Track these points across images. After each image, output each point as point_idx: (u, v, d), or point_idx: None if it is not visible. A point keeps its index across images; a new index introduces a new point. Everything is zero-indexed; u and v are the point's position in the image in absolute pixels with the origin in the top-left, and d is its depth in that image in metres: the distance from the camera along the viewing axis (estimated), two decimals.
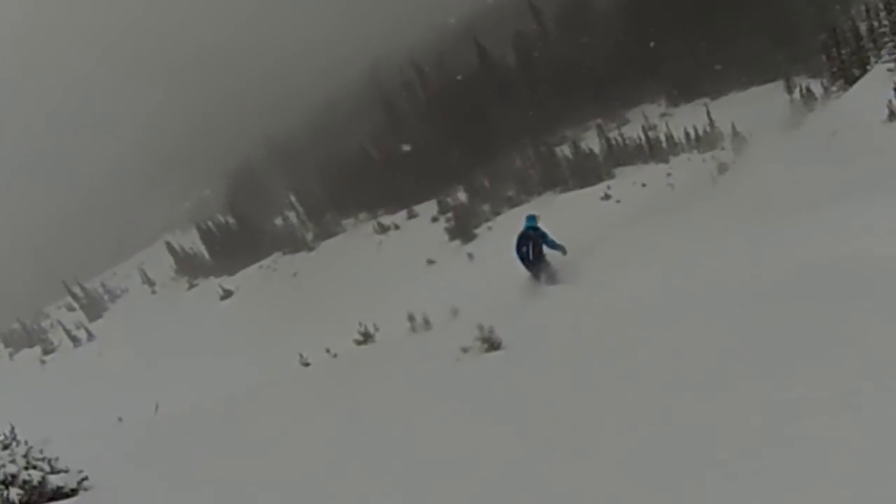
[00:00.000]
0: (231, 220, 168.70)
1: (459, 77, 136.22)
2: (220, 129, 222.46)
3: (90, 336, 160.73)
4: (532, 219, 28.84)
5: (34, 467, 13.64)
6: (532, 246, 27.90)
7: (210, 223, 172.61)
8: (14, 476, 13.35)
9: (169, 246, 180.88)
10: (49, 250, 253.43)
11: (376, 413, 15.78)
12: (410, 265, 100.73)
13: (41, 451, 13.97)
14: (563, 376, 14.09)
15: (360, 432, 14.39)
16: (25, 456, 13.66)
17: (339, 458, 13.24)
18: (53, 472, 13.83)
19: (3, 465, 13.39)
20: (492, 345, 18.53)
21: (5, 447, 13.99)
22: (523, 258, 28.31)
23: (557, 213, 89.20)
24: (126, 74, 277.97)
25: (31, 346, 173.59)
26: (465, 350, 18.76)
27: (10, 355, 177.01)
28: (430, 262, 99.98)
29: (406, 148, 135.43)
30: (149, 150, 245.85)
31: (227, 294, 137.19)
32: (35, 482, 13.43)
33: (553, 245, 28.15)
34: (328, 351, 44.28)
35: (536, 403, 12.82)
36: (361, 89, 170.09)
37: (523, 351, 17.83)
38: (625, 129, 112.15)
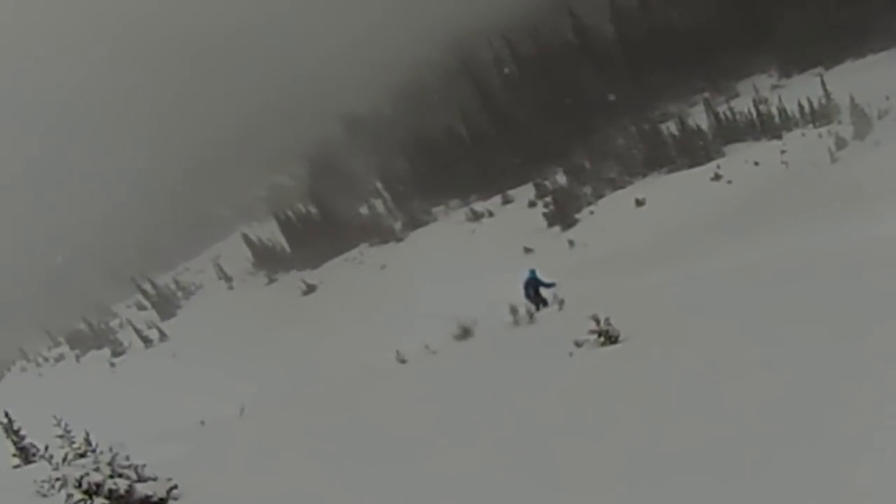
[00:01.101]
0: (312, 210, 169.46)
1: (552, 50, 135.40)
2: (296, 110, 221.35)
3: (163, 336, 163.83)
4: (533, 271, 43.39)
5: (120, 475, 13.71)
6: (534, 289, 41.72)
7: (290, 213, 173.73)
8: (99, 485, 13.51)
9: (246, 238, 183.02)
10: (116, 245, 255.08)
11: (476, 415, 16.82)
12: (506, 254, 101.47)
13: (127, 458, 14.03)
14: (696, 370, 14.78)
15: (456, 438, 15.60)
16: (110, 463, 13.73)
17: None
18: (141, 480, 13.95)
19: (87, 474, 13.58)
20: (609, 338, 19.84)
21: (82, 455, 14.53)
22: (528, 297, 41.46)
23: (664, 195, 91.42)
24: (189, 54, 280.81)
25: (100, 347, 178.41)
26: (578, 344, 20.21)
27: (77, 357, 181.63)
28: (528, 250, 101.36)
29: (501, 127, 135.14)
30: (219, 135, 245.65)
31: (311, 289, 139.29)
32: (122, 491, 13.52)
33: (547, 286, 42.20)
34: (426, 347, 47.56)
35: (674, 407, 13.10)
36: (449, 65, 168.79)
37: (644, 344, 18.81)
38: (734, 103, 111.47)
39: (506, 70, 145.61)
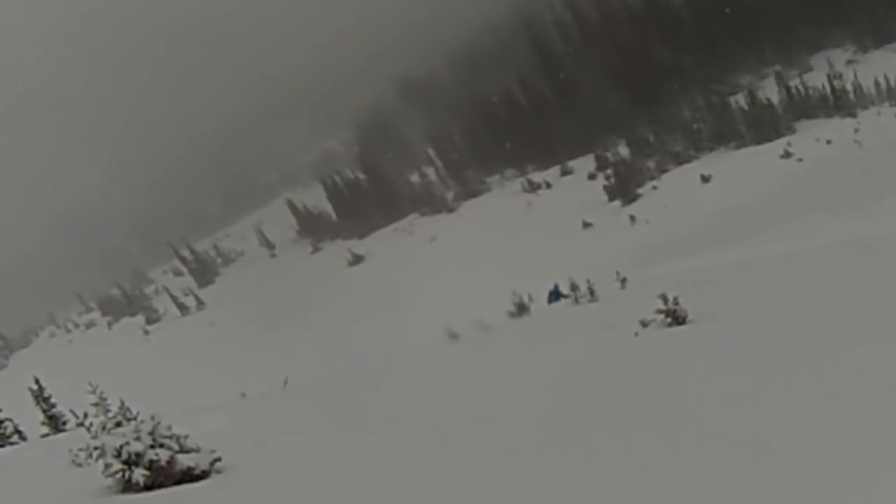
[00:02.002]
0: (361, 176, 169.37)
1: (618, 14, 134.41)
2: (347, 72, 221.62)
3: (200, 304, 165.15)
4: (556, 284, 47.16)
5: (161, 446, 13.64)
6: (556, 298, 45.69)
7: (337, 178, 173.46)
8: (140, 455, 13.44)
9: (290, 204, 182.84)
10: (154, 208, 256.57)
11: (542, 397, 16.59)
12: (564, 228, 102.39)
13: (169, 428, 13.91)
14: (768, 355, 14.62)
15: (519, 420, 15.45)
16: (152, 433, 13.66)
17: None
18: (183, 451, 13.86)
19: (127, 443, 13.48)
20: (676, 318, 20.10)
21: (118, 425, 14.30)
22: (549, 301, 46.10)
23: (731, 172, 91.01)
24: (236, 14, 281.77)
25: (133, 314, 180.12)
26: (644, 324, 20.39)
27: (109, 324, 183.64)
28: (587, 224, 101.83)
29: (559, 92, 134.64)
30: (266, 98, 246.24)
31: (357, 259, 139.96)
32: (163, 462, 13.50)
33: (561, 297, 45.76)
34: (479, 323, 47.70)
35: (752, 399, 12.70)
36: (508, 27, 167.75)
37: (713, 327, 18.87)
38: (807, 77, 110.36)
39: (570, 34, 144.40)
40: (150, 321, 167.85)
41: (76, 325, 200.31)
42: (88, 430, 14.55)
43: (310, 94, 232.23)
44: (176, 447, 13.80)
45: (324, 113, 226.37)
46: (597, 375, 17.06)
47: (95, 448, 13.77)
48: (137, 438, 13.51)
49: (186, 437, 14.07)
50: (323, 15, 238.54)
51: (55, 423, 25.19)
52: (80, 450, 14.79)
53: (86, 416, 14.39)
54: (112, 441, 13.60)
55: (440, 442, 14.53)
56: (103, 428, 14.25)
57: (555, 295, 46.13)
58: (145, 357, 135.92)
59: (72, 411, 14.61)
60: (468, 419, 15.88)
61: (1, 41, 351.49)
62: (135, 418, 14.42)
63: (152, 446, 13.55)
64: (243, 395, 47.33)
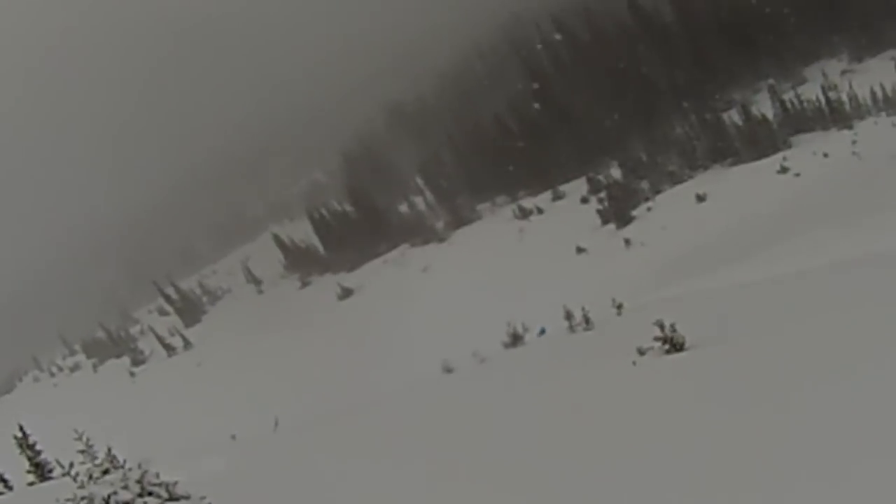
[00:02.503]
0: (349, 208, 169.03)
1: (607, 33, 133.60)
2: (333, 99, 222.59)
3: (187, 344, 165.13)
4: (543, 328, 48.45)
5: (150, 494, 13.51)
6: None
7: (324, 211, 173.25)
8: None
9: (277, 239, 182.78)
10: (138, 247, 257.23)
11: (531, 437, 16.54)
12: (558, 254, 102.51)
13: (158, 476, 13.73)
14: (768, 383, 14.62)
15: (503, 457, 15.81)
16: (139, 481, 13.51)
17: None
18: (172, 499, 13.73)
19: (115, 493, 13.35)
20: (674, 345, 20.07)
21: (105, 472, 13.90)
22: None
23: (727, 190, 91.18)
24: (218, 44, 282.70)
25: (119, 356, 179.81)
26: (641, 352, 20.41)
27: (94, 367, 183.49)
28: (581, 249, 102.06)
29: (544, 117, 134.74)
30: (251, 131, 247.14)
31: (347, 293, 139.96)
32: None
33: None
34: (475, 354, 47.78)
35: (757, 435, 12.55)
36: (497, 50, 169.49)
37: (712, 354, 18.75)
38: (801, 90, 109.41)
39: (558, 55, 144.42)
40: (136, 363, 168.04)
41: (60, 369, 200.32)
42: (75, 479, 14.39)
43: (296, 123, 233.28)
44: (165, 495, 13.64)
45: (310, 143, 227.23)
46: (594, 407, 17.03)
47: (83, 498, 13.42)
48: (125, 487, 13.36)
49: (176, 483, 13.90)
50: (310, 43, 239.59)
51: (41, 471, 25.06)
52: (68, 500, 14.64)
53: (72, 465, 14.32)
54: (99, 490, 13.37)
55: (435, 480, 14.39)
56: (90, 477, 13.88)
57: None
58: (132, 399, 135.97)
59: (57, 461, 14.59)
60: (463, 456, 15.84)
61: None
62: (122, 466, 14.10)
63: (140, 495, 13.37)
64: (234, 436, 47.39)
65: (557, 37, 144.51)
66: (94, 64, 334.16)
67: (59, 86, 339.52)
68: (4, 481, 25.10)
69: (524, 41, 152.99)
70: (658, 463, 12.44)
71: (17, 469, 25.21)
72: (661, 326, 19.87)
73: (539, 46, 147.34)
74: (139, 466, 13.89)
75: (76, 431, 14.25)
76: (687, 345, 19.63)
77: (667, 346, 19.73)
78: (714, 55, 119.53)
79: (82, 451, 14.30)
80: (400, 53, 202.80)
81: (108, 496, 13.33)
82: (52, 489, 18.22)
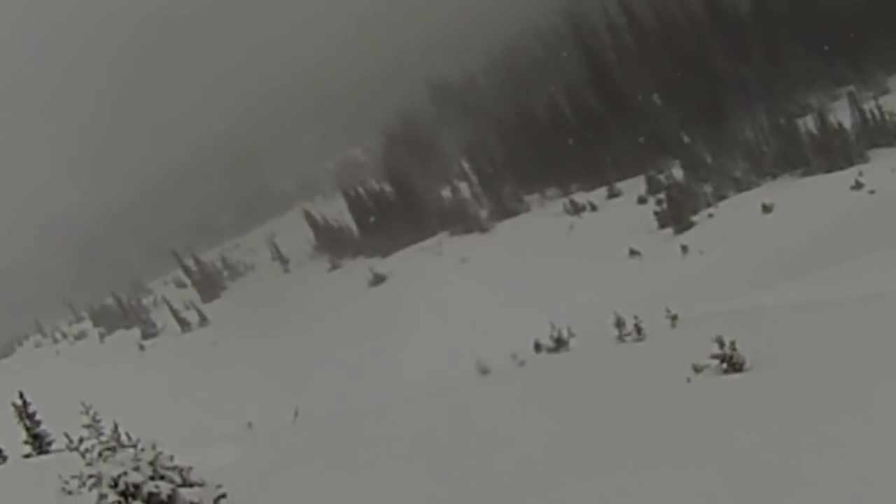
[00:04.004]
0: (387, 189, 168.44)
1: (677, 21, 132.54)
2: (373, 72, 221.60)
3: (203, 319, 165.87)
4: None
5: (162, 478, 13.57)
6: None
7: (360, 190, 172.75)
8: (138, 487, 13.35)
9: (308, 215, 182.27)
10: (156, 212, 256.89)
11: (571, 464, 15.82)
12: (608, 256, 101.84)
13: (171, 459, 13.88)
14: (834, 411, 14.53)
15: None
16: (152, 463, 13.60)
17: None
18: (185, 484, 13.79)
19: (125, 473, 13.42)
20: (732, 365, 19.94)
21: (110, 450, 13.85)
22: None
23: (796, 202, 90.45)
24: (257, 9, 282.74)
25: (128, 327, 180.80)
26: (697, 369, 20.17)
27: (101, 336, 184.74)
28: (633, 253, 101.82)
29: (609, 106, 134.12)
30: (284, 96, 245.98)
31: (379, 279, 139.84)
32: (163, 496, 13.45)
33: None
34: (514, 357, 47.63)
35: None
36: (555, 29, 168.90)
37: (775, 377, 18.63)
38: (883, 100, 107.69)
39: (623, 41, 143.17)
40: (146, 335, 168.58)
41: (64, 336, 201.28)
42: (83, 455, 14.15)
43: (333, 95, 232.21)
44: (178, 480, 13.70)
45: (348, 117, 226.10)
46: (643, 427, 16.76)
47: (90, 476, 13.64)
48: (137, 468, 13.42)
49: (190, 469, 13.94)
50: (350, 11, 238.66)
51: (39, 443, 25.08)
52: (73, 477, 14.58)
53: (81, 440, 14.26)
54: (109, 470, 13.48)
55: (462, 487, 14.37)
56: (99, 454, 13.87)
57: None
58: (140, 375, 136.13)
59: (66, 435, 14.48)
60: (495, 463, 15.79)
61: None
62: (134, 445, 14.05)
63: (152, 477, 13.43)
64: (250, 424, 47.35)
65: (622, 20, 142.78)
66: (122, 31, 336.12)
67: (87, 55, 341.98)
68: None
69: (586, 22, 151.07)
70: (707, 492, 12.29)
71: (11, 439, 25.17)
72: (721, 343, 19.65)
73: (602, 27, 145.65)
74: (153, 447, 13.90)
75: (83, 405, 14.00)
76: (747, 365, 19.38)
77: (724, 366, 19.48)
78: (791, 54, 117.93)
79: (88, 426, 14.17)
80: (447, 26, 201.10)
81: (118, 476, 13.41)
82: (51, 463, 18.27)
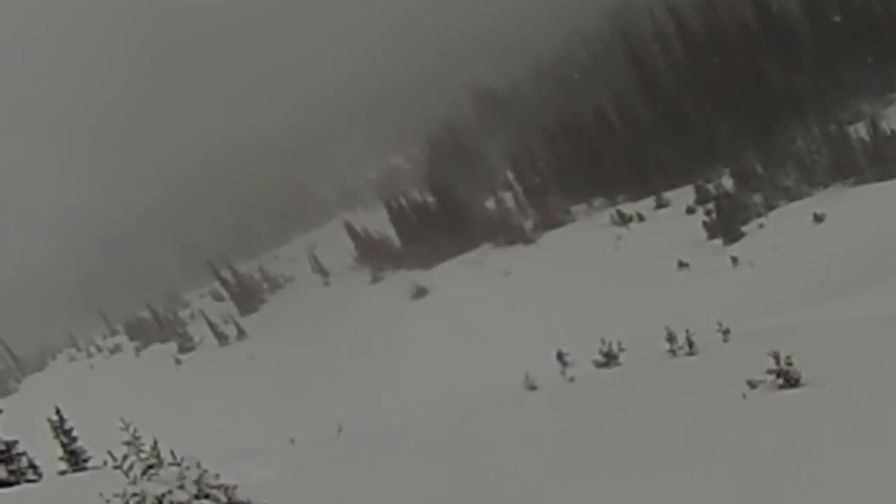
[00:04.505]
0: (430, 199, 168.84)
1: (727, 29, 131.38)
2: (416, 78, 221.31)
3: (241, 333, 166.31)
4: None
5: (207, 496, 13.58)
6: None
7: (403, 200, 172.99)
8: None
9: (349, 227, 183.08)
10: (194, 221, 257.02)
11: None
12: (657, 268, 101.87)
13: (217, 477, 13.83)
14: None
15: None
16: (197, 482, 13.60)
17: None
18: (230, 503, 13.82)
19: (170, 492, 13.43)
20: (788, 380, 19.84)
21: (150, 467, 13.76)
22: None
23: (849, 212, 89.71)
24: (303, 8, 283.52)
25: (164, 340, 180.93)
26: (752, 385, 20.17)
27: (137, 350, 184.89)
28: (682, 264, 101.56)
29: (658, 113, 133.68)
30: (325, 103, 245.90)
31: (422, 292, 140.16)
32: None
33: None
34: (563, 372, 47.63)
35: None
36: (602, 36, 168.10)
37: (832, 393, 18.50)
38: None
39: (672, 48, 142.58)
40: (183, 349, 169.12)
41: (99, 349, 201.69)
42: (126, 473, 14.05)
43: (375, 102, 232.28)
44: (224, 499, 13.71)
45: (390, 125, 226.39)
46: (700, 443, 16.73)
47: (134, 495, 13.57)
48: (181, 487, 13.39)
49: (236, 487, 13.95)
50: (392, 15, 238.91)
51: (75, 460, 25.18)
52: (116, 495, 14.63)
53: (125, 457, 14.33)
54: (153, 488, 13.45)
55: None
56: (143, 472, 13.85)
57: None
58: (176, 389, 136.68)
59: (109, 452, 14.56)
60: (547, 479, 15.68)
61: (36, 37, 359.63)
62: (178, 463, 13.96)
63: (197, 496, 13.41)
64: (292, 440, 47.48)
65: (671, 28, 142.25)
66: (160, 32, 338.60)
67: (127, 53, 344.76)
68: (34, 467, 25.13)
69: (634, 30, 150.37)
70: None
71: (46, 455, 25.23)
72: (777, 358, 19.65)
73: (650, 34, 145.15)
74: (198, 465, 13.86)
75: (122, 420, 14.10)
76: (803, 380, 19.38)
77: (780, 381, 19.49)
78: (843, 61, 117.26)
79: (128, 443, 14.15)
80: (491, 31, 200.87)
81: (162, 495, 13.40)
82: (89, 480, 18.31)
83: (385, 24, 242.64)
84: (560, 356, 49.84)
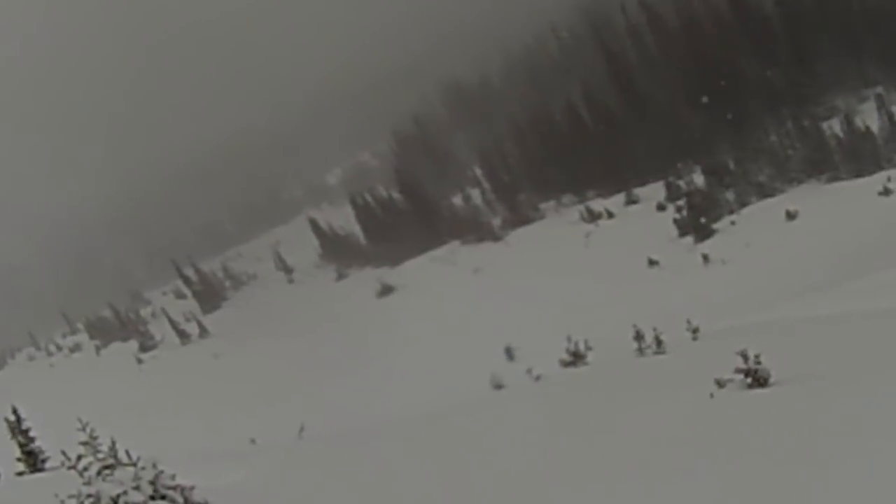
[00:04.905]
0: (396, 196, 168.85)
1: (699, 21, 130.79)
2: (384, 73, 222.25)
3: (203, 332, 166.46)
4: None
5: (163, 497, 13.46)
6: None
7: (369, 197, 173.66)
8: None
9: (314, 223, 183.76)
10: (156, 218, 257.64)
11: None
12: (627, 265, 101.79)
13: (173, 478, 13.71)
14: (863, 431, 14.32)
15: None
16: (153, 482, 13.47)
17: None
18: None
19: (125, 493, 13.25)
20: (757, 380, 19.83)
21: (108, 468, 13.60)
22: None
23: (822, 209, 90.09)
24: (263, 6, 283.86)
25: (125, 339, 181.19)
26: (720, 384, 20.11)
27: (97, 349, 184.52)
28: (653, 262, 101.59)
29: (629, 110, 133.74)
30: (291, 99, 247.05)
31: (388, 290, 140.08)
32: None
33: None
34: (529, 371, 47.82)
35: None
36: (572, 30, 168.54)
37: (800, 392, 18.60)
38: None
39: (642, 41, 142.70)
40: (144, 348, 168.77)
41: (59, 348, 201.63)
42: (81, 474, 13.83)
43: (343, 99, 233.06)
44: (181, 500, 13.59)
45: (358, 121, 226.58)
46: (666, 444, 16.66)
47: (88, 496, 13.42)
48: (137, 488, 13.24)
49: (192, 488, 13.84)
50: (361, 11, 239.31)
51: (33, 461, 25.05)
52: (71, 496, 14.58)
53: (80, 457, 14.27)
54: (108, 489, 13.31)
55: None
56: (99, 473, 13.68)
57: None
58: (137, 389, 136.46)
59: (63, 452, 14.53)
60: (503, 493, 15.66)
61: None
62: (134, 464, 13.78)
63: (153, 497, 13.29)
64: (253, 441, 47.57)
65: (643, 21, 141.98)
66: (123, 34, 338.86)
67: (88, 55, 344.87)
68: None
69: (605, 23, 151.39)
70: None
71: (2, 455, 25.14)
72: (745, 357, 19.69)
73: (622, 28, 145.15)
74: (153, 465, 13.72)
75: (80, 420, 13.98)
76: (772, 380, 19.45)
77: (749, 380, 19.56)
78: (818, 55, 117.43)
79: (85, 443, 13.97)
80: (463, 26, 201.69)
81: (118, 496, 13.24)
82: (46, 482, 18.16)
83: (354, 21, 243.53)
84: (508, 351, 49.93)
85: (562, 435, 19.54)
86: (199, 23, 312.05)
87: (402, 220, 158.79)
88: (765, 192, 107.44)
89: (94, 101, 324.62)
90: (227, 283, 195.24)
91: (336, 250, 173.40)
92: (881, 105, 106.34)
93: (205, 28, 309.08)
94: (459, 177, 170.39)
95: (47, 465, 24.20)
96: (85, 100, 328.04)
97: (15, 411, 24.63)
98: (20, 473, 24.44)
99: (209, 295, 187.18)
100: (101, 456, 13.87)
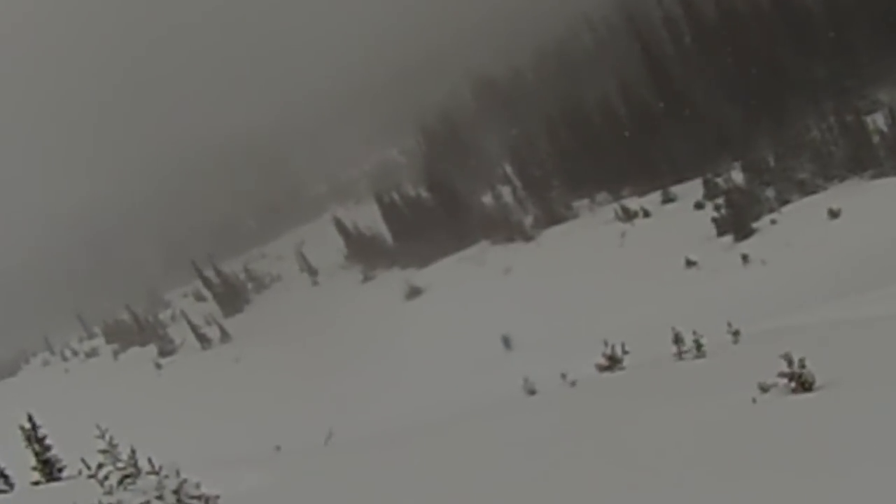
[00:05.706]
0: (424, 194, 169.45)
1: (739, 13, 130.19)
2: (412, 67, 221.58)
3: (224, 336, 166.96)
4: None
5: None
6: None
7: (396, 196, 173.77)
8: None
9: (338, 223, 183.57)
10: (176, 217, 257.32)
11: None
12: (663, 266, 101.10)
13: (198, 486, 13.84)
14: None
15: None
16: (177, 491, 13.57)
17: None
18: None
19: (148, 502, 13.43)
20: (802, 384, 19.70)
21: (127, 477, 13.63)
22: None
23: (866, 207, 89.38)
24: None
25: (144, 344, 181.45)
26: (764, 389, 20.01)
27: (115, 354, 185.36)
28: (690, 263, 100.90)
29: (663, 105, 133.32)
30: (317, 94, 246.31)
31: (416, 292, 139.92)
32: None
33: None
34: (563, 377, 47.69)
35: None
36: (608, 22, 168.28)
37: (847, 397, 18.46)
38: None
39: (680, 34, 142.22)
40: (163, 353, 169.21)
41: (75, 353, 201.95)
42: (101, 483, 14.01)
43: (370, 92, 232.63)
44: None
45: (385, 115, 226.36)
46: (709, 452, 16.59)
47: None
48: (160, 497, 13.37)
49: (217, 497, 13.96)
50: (388, 2, 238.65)
51: (49, 470, 25.10)
52: None
53: (100, 466, 14.32)
54: (130, 498, 13.45)
55: None
56: (120, 482, 13.79)
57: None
58: (157, 395, 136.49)
59: (83, 461, 14.58)
60: (549, 495, 15.61)
61: (13, 33, 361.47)
62: (157, 472, 13.95)
63: None
64: (278, 448, 47.52)
65: (680, 12, 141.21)
66: (143, 25, 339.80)
67: (106, 45, 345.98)
68: (5, 477, 25.08)
69: (641, 14, 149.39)
70: None
71: (17, 464, 25.16)
72: (790, 361, 19.60)
73: (658, 20, 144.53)
74: (177, 474, 13.84)
75: (98, 428, 13.98)
76: (817, 384, 19.37)
77: (793, 385, 19.47)
78: (860, 47, 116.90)
79: (104, 452, 14.07)
80: (492, 16, 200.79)
81: None
82: (64, 491, 18.32)
83: (380, 11, 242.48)
84: (505, 340, 49.75)
85: (589, 441, 19.45)
86: (221, 12, 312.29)
87: (430, 219, 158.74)
88: (806, 190, 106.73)
89: (111, 96, 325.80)
90: (250, 285, 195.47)
91: (362, 250, 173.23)
92: None
93: (226, 16, 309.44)
94: (489, 174, 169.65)
95: (63, 474, 24.28)
96: (102, 95, 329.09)
97: (30, 418, 24.69)
98: (35, 483, 24.52)
99: (231, 297, 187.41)
100: (120, 465, 13.91)
